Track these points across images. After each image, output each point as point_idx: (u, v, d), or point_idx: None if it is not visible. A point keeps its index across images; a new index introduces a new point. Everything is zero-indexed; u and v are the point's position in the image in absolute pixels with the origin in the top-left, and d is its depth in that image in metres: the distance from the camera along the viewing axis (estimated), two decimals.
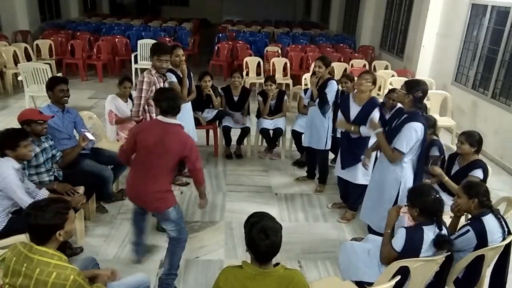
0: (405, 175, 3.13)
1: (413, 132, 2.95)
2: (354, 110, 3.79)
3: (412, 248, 2.42)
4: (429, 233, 2.44)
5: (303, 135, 4.88)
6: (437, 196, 2.48)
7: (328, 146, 4.50)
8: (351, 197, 4.12)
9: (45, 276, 1.88)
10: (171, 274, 3.00)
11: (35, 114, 3.27)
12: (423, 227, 2.45)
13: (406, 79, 5.15)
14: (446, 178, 3.49)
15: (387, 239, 2.58)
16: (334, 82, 4.32)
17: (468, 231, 2.59)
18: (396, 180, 3.15)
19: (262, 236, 1.83)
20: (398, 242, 2.47)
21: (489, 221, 2.60)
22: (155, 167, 2.79)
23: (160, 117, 2.86)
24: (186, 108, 4.36)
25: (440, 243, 2.40)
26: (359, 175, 3.87)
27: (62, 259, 1.96)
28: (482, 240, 2.56)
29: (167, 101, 2.82)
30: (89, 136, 3.61)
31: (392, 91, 4.57)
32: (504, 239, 2.59)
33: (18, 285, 1.92)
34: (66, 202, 2.07)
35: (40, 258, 1.91)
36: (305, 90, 5.50)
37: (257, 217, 1.91)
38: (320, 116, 4.37)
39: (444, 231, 2.47)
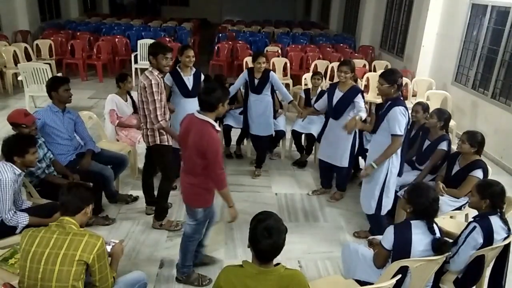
0: (392, 158, 3.37)
1: (399, 114, 3.20)
2: (337, 95, 4.06)
3: (402, 243, 2.41)
4: (417, 228, 2.43)
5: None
6: (434, 201, 2.45)
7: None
8: (338, 178, 4.44)
9: (79, 236, 2.11)
10: (184, 266, 3.09)
11: (20, 117, 3.24)
12: (411, 221, 2.46)
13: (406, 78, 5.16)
14: (445, 194, 3.49)
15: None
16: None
17: (475, 227, 2.56)
18: (383, 165, 3.38)
19: (265, 234, 1.84)
20: (388, 239, 2.46)
21: (495, 220, 2.59)
22: (187, 161, 2.83)
23: (195, 111, 2.78)
24: (189, 105, 4.28)
25: (438, 247, 2.38)
26: (343, 158, 4.17)
27: None
28: (489, 239, 2.54)
29: (201, 95, 2.74)
30: None
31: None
32: (505, 239, 2.59)
33: (48, 251, 2.06)
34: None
35: (71, 226, 2.17)
36: (305, 90, 5.51)
37: (265, 215, 1.94)
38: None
39: (437, 234, 2.44)
